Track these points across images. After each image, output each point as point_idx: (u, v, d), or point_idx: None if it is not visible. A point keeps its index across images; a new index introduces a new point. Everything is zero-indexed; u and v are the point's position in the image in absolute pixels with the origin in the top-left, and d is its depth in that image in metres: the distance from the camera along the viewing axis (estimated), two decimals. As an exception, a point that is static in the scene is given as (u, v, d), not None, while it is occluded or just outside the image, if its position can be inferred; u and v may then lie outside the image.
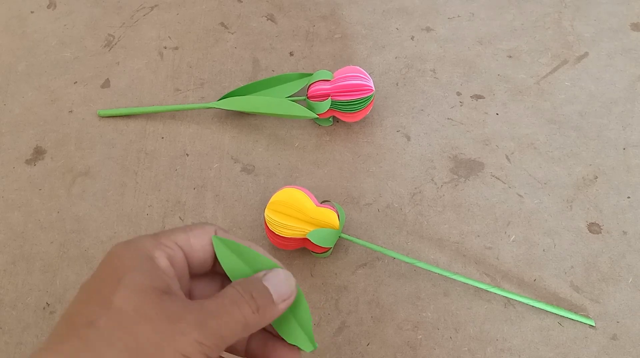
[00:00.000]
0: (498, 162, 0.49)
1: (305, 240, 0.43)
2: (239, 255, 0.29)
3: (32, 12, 0.60)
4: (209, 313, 0.24)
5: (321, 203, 0.45)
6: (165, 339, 0.23)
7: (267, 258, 0.29)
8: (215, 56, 0.56)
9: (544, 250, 0.45)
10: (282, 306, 0.27)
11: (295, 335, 0.29)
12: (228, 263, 0.29)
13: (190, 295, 0.29)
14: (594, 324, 0.42)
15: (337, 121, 0.52)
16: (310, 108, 0.49)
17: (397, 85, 0.54)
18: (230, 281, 0.29)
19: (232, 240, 0.29)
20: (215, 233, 0.29)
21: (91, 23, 0.59)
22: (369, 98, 0.48)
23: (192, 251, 0.28)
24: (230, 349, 0.30)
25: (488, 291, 0.43)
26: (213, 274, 0.30)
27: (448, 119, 0.51)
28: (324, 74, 0.49)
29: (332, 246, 0.43)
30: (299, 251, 0.45)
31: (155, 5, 0.60)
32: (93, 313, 0.23)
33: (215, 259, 0.29)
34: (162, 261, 0.26)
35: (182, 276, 0.27)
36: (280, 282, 0.27)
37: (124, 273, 0.24)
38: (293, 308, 0.29)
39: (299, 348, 0.29)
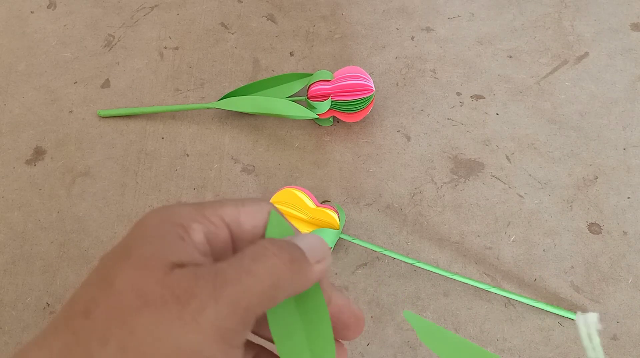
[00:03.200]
0: (498, 162, 0.49)
1: (306, 240, 0.43)
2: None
3: (32, 12, 0.60)
4: (226, 278, 0.19)
5: (321, 203, 0.45)
6: (169, 331, 0.18)
7: None
8: (215, 56, 0.56)
9: (544, 250, 0.45)
10: (318, 268, 0.21)
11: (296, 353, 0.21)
12: None
13: None
14: (594, 324, 0.42)
15: (337, 121, 0.52)
16: (311, 108, 0.49)
17: (397, 85, 0.54)
18: None
19: (289, 225, 0.23)
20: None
21: (91, 23, 0.59)
22: (369, 98, 0.48)
23: (240, 231, 0.22)
24: None
25: (488, 291, 0.43)
26: None
27: (448, 119, 0.51)
28: (324, 74, 0.49)
29: (332, 246, 0.43)
30: (299, 252, 0.45)
31: (155, 5, 0.60)
32: (92, 299, 0.19)
33: None
34: (197, 235, 0.21)
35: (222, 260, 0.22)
36: (313, 242, 0.22)
37: (139, 246, 0.20)
38: (308, 317, 0.22)
39: None
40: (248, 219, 0.22)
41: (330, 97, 0.48)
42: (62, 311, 0.20)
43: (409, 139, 0.51)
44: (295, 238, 0.22)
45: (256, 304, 0.19)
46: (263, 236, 0.23)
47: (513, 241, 0.46)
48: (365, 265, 0.45)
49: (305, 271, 0.21)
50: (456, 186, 0.48)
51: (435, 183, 0.48)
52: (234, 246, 0.22)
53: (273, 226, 0.23)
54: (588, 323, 0.25)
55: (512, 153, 0.49)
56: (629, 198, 0.47)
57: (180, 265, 0.19)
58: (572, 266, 0.44)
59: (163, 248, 0.20)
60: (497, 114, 0.52)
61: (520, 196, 0.47)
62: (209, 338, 0.18)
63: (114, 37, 0.58)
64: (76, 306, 0.19)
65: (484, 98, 0.52)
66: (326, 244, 0.22)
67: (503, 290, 0.42)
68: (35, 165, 0.50)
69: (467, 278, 0.43)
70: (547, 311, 0.42)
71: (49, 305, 0.44)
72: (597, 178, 0.48)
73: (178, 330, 0.18)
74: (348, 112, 0.49)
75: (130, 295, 0.18)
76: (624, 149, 0.49)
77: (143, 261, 0.19)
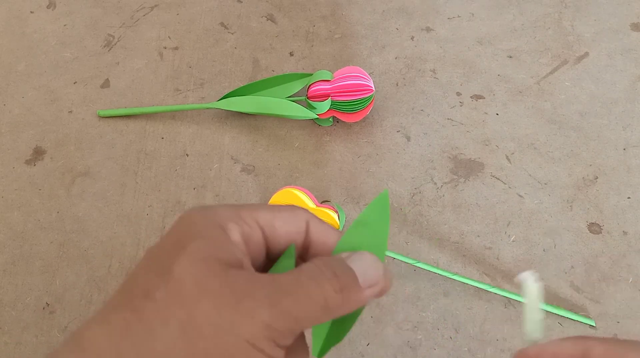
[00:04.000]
0: (498, 162, 0.49)
1: (305, 240, 0.43)
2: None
3: (32, 12, 0.60)
4: (282, 289, 0.21)
5: (321, 203, 0.45)
6: (227, 320, 0.20)
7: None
8: (215, 56, 0.56)
9: (544, 250, 0.45)
10: (368, 293, 0.23)
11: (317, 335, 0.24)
12: None
13: None
14: (594, 324, 0.42)
15: (337, 121, 0.52)
16: (311, 108, 0.49)
17: (397, 85, 0.54)
18: None
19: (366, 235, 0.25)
20: (307, 224, 0.24)
21: (91, 23, 0.59)
22: (369, 98, 0.48)
23: (273, 236, 0.23)
24: None
25: (488, 291, 0.43)
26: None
27: (448, 119, 0.51)
28: (324, 74, 0.49)
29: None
30: (299, 252, 0.45)
31: (155, 5, 0.60)
32: (151, 283, 0.21)
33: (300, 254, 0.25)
34: (234, 235, 0.22)
35: (256, 261, 0.24)
36: (368, 265, 0.23)
37: (190, 240, 0.21)
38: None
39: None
40: (282, 224, 0.23)
41: (330, 97, 0.48)
42: (119, 293, 0.21)
43: (409, 139, 0.51)
44: (352, 259, 0.23)
45: (305, 319, 0.21)
46: (298, 245, 0.24)
47: (513, 241, 0.46)
48: (365, 265, 0.45)
49: (356, 297, 0.22)
50: (456, 186, 0.48)
51: (435, 183, 0.48)
52: (267, 250, 0.24)
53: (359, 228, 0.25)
54: (529, 282, 0.25)
55: (512, 153, 0.49)
56: (629, 198, 0.47)
57: (235, 266, 0.21)
58: (572, 266, 0.44)
59: (214, 246, 0.21)
60: (497, 114, 0.52)
61: (520, 196, 0.47)
62: (261, 333, 0.20)
63: (113, 37, 0.58)
64: (135, 289, 0.21)
65: (484, 98, 0.52)
66: (382, 266, 0.23)
67: (503, 290, 0.42)
68: (34, 165, 0.50)
69: (467, 278, 0.43)
70: (547, 311, 0.42)
71: (48, 305, 0.44)
72: (597, 178, 0.48)
73: (235, 320, 0.20)
74: (348, 112, 0.49)
75: (189, 284, 0.20)
76: (624, 149, 0.49)
77: (199, 255, 0.21)
